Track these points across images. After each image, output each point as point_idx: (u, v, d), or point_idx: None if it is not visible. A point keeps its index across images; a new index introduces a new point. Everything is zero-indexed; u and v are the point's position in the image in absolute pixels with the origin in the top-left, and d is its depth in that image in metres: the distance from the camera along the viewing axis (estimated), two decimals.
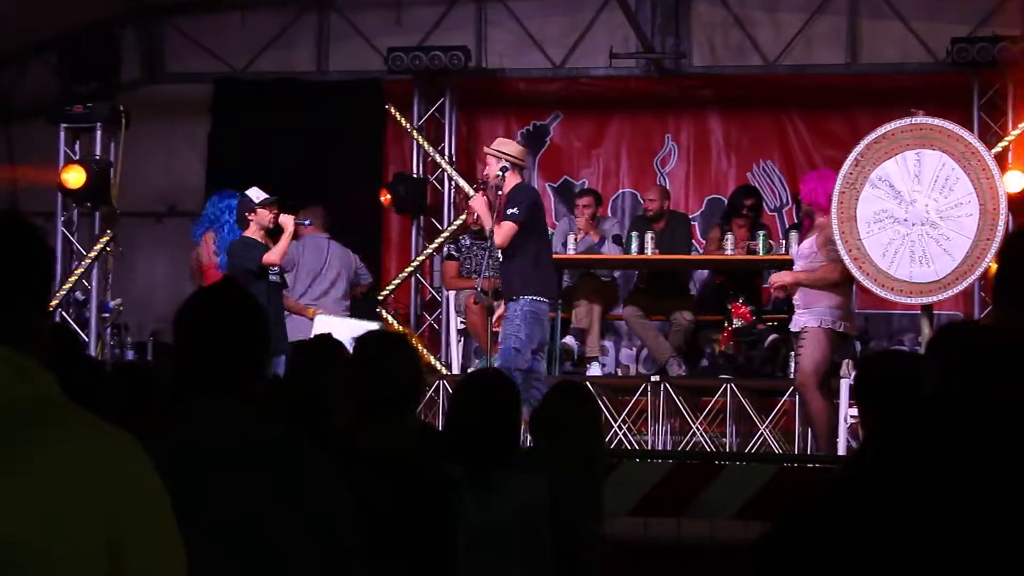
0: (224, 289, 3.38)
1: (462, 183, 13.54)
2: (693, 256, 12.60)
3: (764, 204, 13.04)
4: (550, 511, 4.62)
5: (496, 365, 9.47)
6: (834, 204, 9.86)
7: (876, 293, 9.98)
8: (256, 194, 10.74)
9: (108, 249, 12.69)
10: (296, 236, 11.44)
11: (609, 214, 13.44)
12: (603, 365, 12.55)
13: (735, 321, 11.29)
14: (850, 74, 13.64)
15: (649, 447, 11.15)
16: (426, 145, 13.87)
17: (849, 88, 13.60)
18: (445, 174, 13.85)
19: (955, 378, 2.23)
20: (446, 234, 13.48)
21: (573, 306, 12.05)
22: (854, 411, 9.16)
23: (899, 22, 13.42)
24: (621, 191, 14.15)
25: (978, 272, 9.71)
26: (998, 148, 12.18)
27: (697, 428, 11.16)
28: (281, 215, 10.72)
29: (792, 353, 10.70)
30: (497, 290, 10.23)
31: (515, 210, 9.72)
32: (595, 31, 14.02)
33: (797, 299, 10.06)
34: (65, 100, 12.55)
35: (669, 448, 11.15)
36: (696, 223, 13.60)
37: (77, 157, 12.60)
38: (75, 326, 12.17)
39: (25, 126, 14.22)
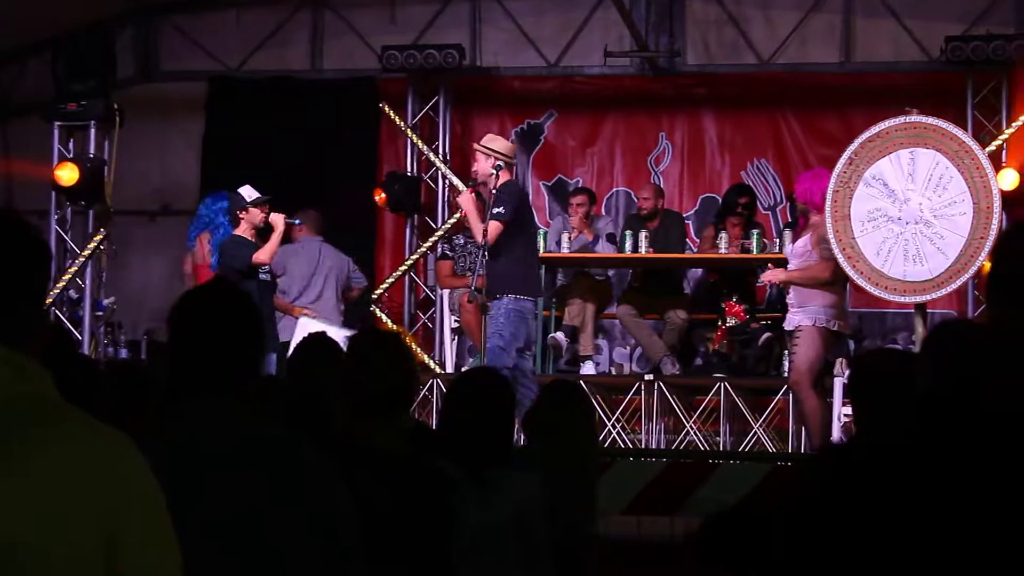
0: (218, 288, 3.38)
1: (456, 182, 13.53)
2: (687, 255, 12.61)
3: (758, 203, 13.04)
4: (545, 509, 4.62)
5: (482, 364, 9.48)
6: (828, 203, 9.86)
7: (870, 292, 9.98)
8: (248, 192, 10.73)
9: (102, 247, 12.68)
10: (290, 238, 11.45)
11: (603, 213, 13.43)
12: (597, 364, 12.56)
13: (729, 320, 11.30)
14: (844, 73, 13.64)
15: (643, 446, 11.15)
16: (420, 144, 13.86)
17: (843, 87, 13.60)
18: (439, 173, 13.85)
19: (949, 377, 2.23)
20: (440, 233, 13.48)
21: (566, 304, 12.06)
22: (848, 410, 9.17)
23: (893, 20, 13.42)
24: (615, 190, 14.15)
25: (972, 271, 9.72)
26: (992, 147, 12.19)
27: (691, 427, 11.16)
28: (272, 214, 10.72)
29: (786, 352, 10.70)
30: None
31: (501, 209, 9.71)
32: (589, 30, 14.02)
33: (791, 298, 10.07)
34: (60, 98, 12.55)
35: (663, 447, 11.15)
36: (690, 222, 13.60)
37: (71, 155, 12.60)
38: (69, 325, 12.16)
39: (20, 124, 14.22)
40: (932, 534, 2.03)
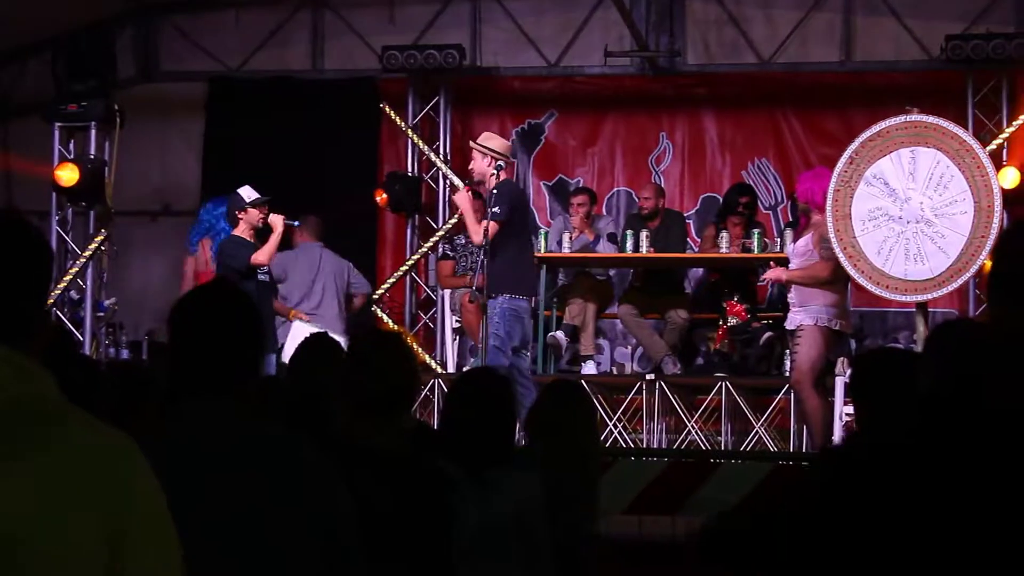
0: (218, 288, 3.38)
1: (457, 182, 13.52)
2: (688, 254, 12.61)
3: (759, 202, 13.04)
4: (546, 509, 4.62)
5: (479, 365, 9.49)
6: (829, 202, 9.86)
7: (871, 291, 9.98)
8: (247, 193, 10.73)
9: (103, 248, 12.69)
10: (290, 242, 11.45)
11: (604, 212, 13.43)
12: (598, 363, 12.56)
13: (730, 319, 11.29)
14: (845, 72, 13.64)
15: (644, 445, 11.15)
16: (421, 144, 13.86)
17: (844, 86, 13.60)
18: (440, 173, 13.85)
19: (951, 376, 2.23)
20: (441, 233, 13.47)
21: (567, 304, 12.06)
22: (849, 409, 9.16)
23: (893, 19, 13.42)
24: (616, 189, 14.15)
25: (973, 270, 9.72)
26: (993, 145, 12.19)
27: (692, 426, 11.16)
28: (271, 215, 10.72)
29: (787, 351, 10.70)
30: None
31: (497, 209, 9.70)
32: (589, 30, 14.02)
33: (792, 297, 10.07)
34: (60, 99, 12.56)
35: (664, 446, 11.15)
36: (691, 221, 13.60)
37: (72, 156, 12.60)
38: (70, 325, 12.16)
39: (21, 124, 14.22)
40: (933, 533, 2.02)
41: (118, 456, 2.09)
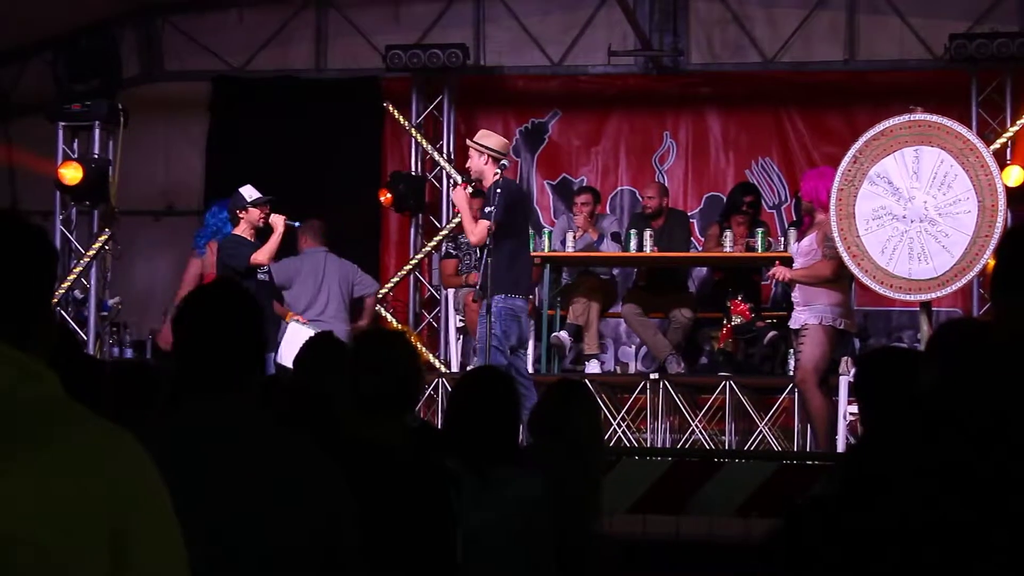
0: (222, 287, 3.39)
1: (460, 180, 13.53)
2: (692, 254, 12.60)
3: (763, 201, 13.04)
4: (550, 509, 4.62)
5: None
6: (832, 201, 9.86)
7: (875, 290, 9.98)
8: (249, 192, 10.74)
9: (107, 247, 12.70)
10: (295, 248, 11.47)
11: (608, 212, 13.43)
12: (602, 363, 12.55)
13: (734, 318, 11.29)
14: (848, 71, 13.63)
15: (648, 445, 11.15)
16: (424, 143, 13.87)
17: (847, 85, 13.59)
18: (443, 172, 13.85)
19: (953, 376, 2.23)
20: (445, 232, 13.47)
21: (571, 303, 12.06)
22: (853, 408, 9.17)
23: (897, 19, 13.41)
24: (619, 189, 14.15)
25: (977, 269, 9.71)
26: (996, 144, 12.19)
27: (696, 426, 11.16)
28: (272, 215, 10.72)
29: (791, 350, 10.70)
30: None
31: (492, 208, 9.69)
32: (593, 29, 14.02)
33: (796, 296, 10.07)
34: (64, 98, 12.57)
35: (668, 446, 11.15)
36: (695, 220, 13.59)
37: (76, 155, 12.62)
38: (74, 324, 12.18)
39: (25, 124, 14.22)
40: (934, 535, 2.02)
41: (121, 455, 2.10)
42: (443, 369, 12.38)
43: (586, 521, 5.17)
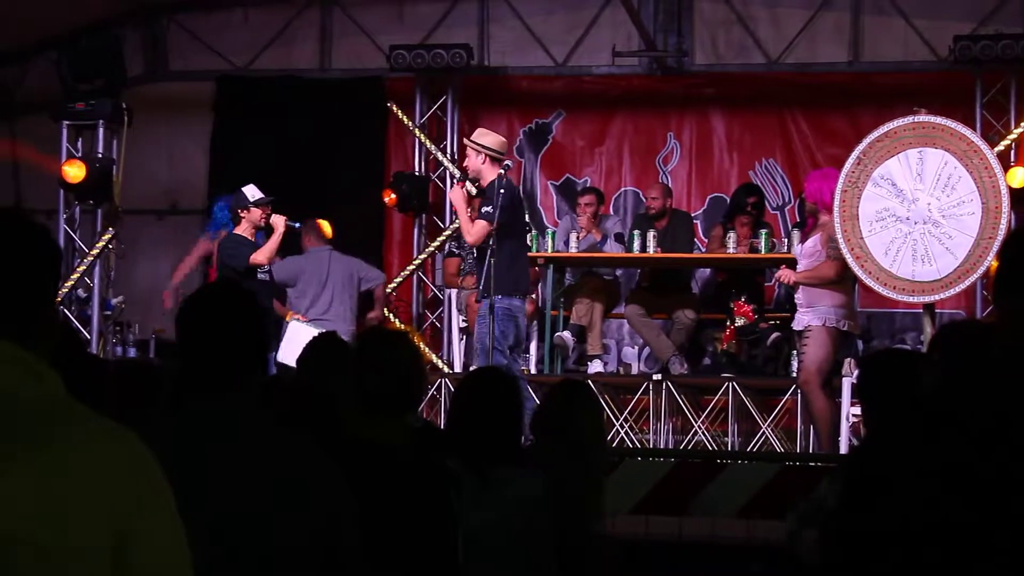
0: (224, 288, 3.39)
1: (469, 185, 13.51)
2: (695, 255, 12.59)
3: (766, 202, 13.04)
4: (551, 510, 4.62)
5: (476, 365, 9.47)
6: (836, 202, 9.85)
7: (878, 292, 9.97)
8: (251, 192, 10.76)
9: (110, 246, 12.71)
10: (300, 247, 11.49)
11: (611, 212, 13.44)
12: (605, 363, 12.56)
13: (737, 320, 11.29)
14: (852, 72, 13.63)
15: (651, 446, 11.15)
16: (428, 143, 13.87)
17: (851, 86, 13.59)
18: (447, 172, 13.85)
19: (955, 377, 2.22)
20: (448, 232, 13.47)
21: (574, 303, 12.06)
22: (856, 410, 9.17)
23: (902, 20, 13.41)
24: (623, 189, 14.15)
25: (980, 271, 9.70)
26: (1001, 146, 12.18)
27: (699, 427, 11.16)
28: (274, 216, 10.74)
29: (794, 352, 10.70)
30: None
31: (489, 208, 9.67)
32: (598, 29, 14.02)
33: (800, 298, 10.07)
34: (68, 97, 12.58)
35: (671, 447, 11.14)
36: (698, 221, 13.59)
37: (80, 154, 12.63)
38: (77, 324, 12.19)
39: (29, 123, 14.24)
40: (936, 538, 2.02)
41: (125, 455, 2.09)
42: (446, 370, 12.38)
43: (588, 522, 5.17)
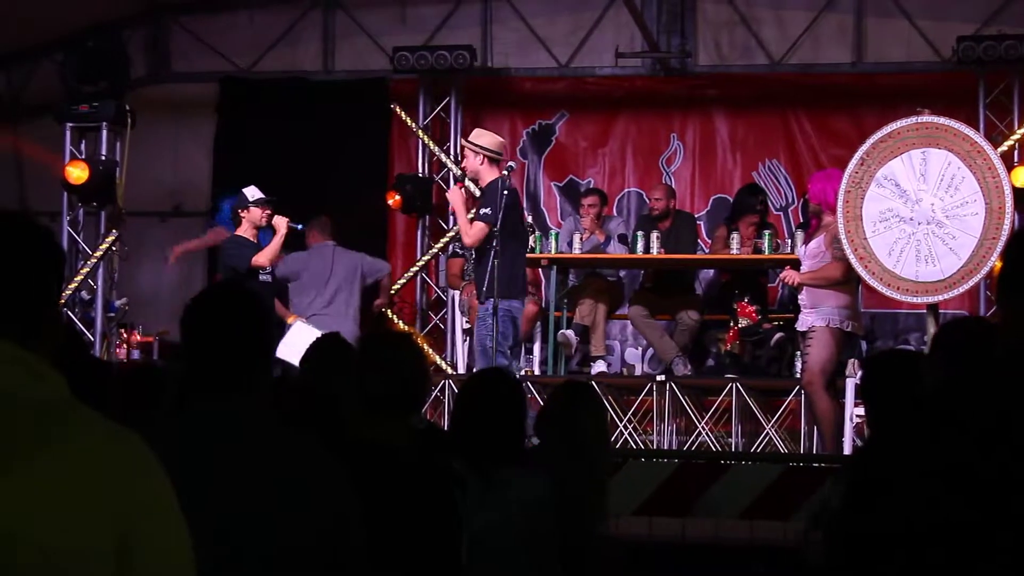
0: (229, 289, 3.39)
1: (469, 184, 13.54)
2: (699, 256, 12.59)
3: (770, 203, 13.04)
4: (555, 510, 4.62)
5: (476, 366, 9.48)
6: (840, 203, 9.85)
7: (882, 292, 9.97)
8: (252, 192, 10.78)
9: (114, 248, 12.72)
10: (304, 245, 11.51)
11: (615, 213, 13.43)
12: (608, 364, 12.55)
13: (741, 320, 11.28)
14: (856, 73, 13.63)
15: (654, 446, 11.14)
16: (431, 144, 13.88)
17: (855, 87, 13.59)
18: (451, 174, 13.86)
19: (957, 376, 2.22)
20: (452, 233, 13.47)
21: (577, 304, 12.07)
22: (860, 410, 9.16)
23: (905, 21, 13.41)
24: (626, 190, 14.15)
25: (984, 271, 9.70)
26: (1004, 147, 12.18)
27: (703, 428, 11.15)
28: (276, 217, 10.75)
29: (798, 352, 10.69)
30: None
31: (487, 210, 9.64)
32: (601, 30, 14.02)
33: (803, 299, 10.07)
34: (72, 99, 12.59)
35: (674, 448, 11.14)
36: (702, 222, 13.59)
37: (83, 156, 12.64)
38: (81, 325, 12.20)
39: (32, 125, 14.25)
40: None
41: (130, 456, 2.10)
42: (449, 371, 12.38)
43: (591, 523, 5.17)
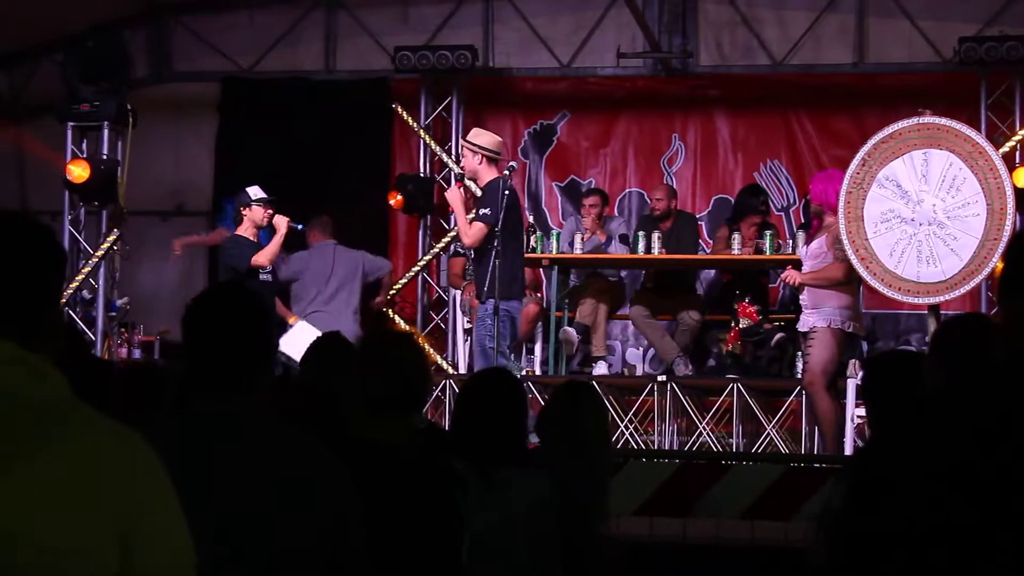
0: (230, 289, 3.40)
1: (469, 183, 13.53)
2: (700, 256, 12.59)
3: (771, 203, 13.04)
4: (555, 511, 4.62)
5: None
6: (841, 204, 9.85)
7: (883, 293, 9.97)
8: (254, 192, 10.79)
9: (115, 248, 12.73)
10: (305, 244, 11.52)
11: (616, 213, 13.43)
12: (609, 365, 12.55)
13: (741, 321, 11.28)
14: (857, 73, 13.63)
15: (655, 447, 11.15)
16: (433, 144, 13.88)
17: (856, 87, 13.58)
18: (452, 174, 13.86)
19: (958, 376, 2.22)
20: (453, 233, 13.47)
21: (579, 304, 12.07)
22: (861, 411, 9.16)
23: (907, 21, 13.40)
24: (628, 190, 14.15)
25: (985, 272, 9.70)
26: (1006, 147, 12.17)
27: (704, 428, 11.15)
28: (276, 216, 10.76)
29: (799, 353, 10.69)
30: None
31: (487, 210, 9.64)
32: (602, 30, 14.02)
33: (805, 299, 10.07)
34: (73, 99, 12.59)
35: (675, 448, 11.14)
36: (703, 223, 13.59)
37: (85, 155, 12.65)
38: (82, 325, 12.20)
39: (34, 124, 14.25)
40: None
41: (131, 456, 2.10)
42: (450, 371, 12.38)
43: (592, 523, 5.17)
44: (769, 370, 11.56)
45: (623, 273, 12.95)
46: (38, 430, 2.05)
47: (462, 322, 12.69)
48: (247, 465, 3.00)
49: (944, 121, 9.89)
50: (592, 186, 13.66)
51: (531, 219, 13.29)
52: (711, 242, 13.02)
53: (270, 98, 14.26)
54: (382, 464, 3.84)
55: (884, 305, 12.13)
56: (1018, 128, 12.65)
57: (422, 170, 14.00)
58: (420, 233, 14.03)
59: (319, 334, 6.43)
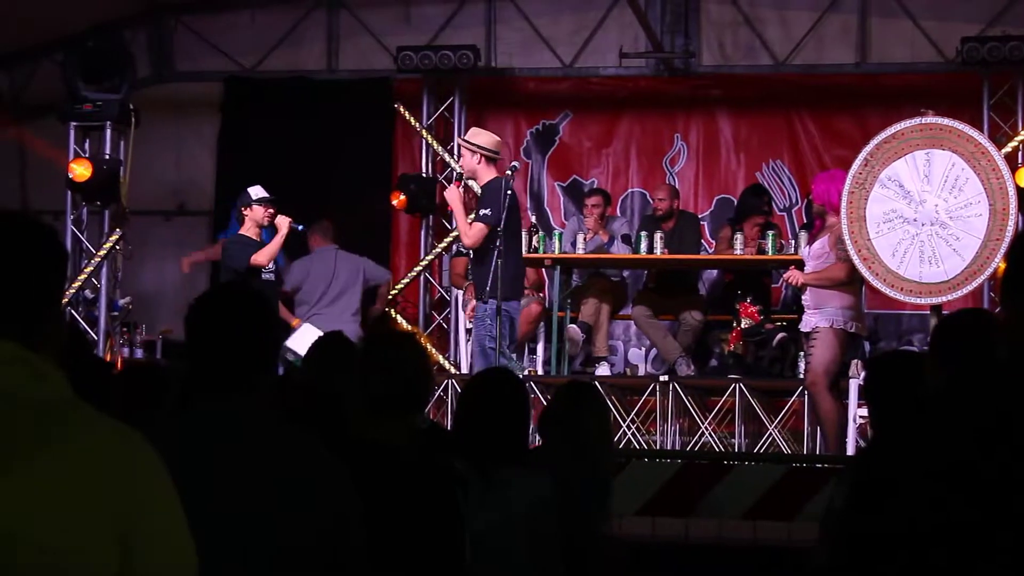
0: (233, 288, 3.40)
1: (471, 183, 13.53)
2: (702, 256, 12.59)
3: (774, 204, 13.03)
4: (557, 511, 4.62)
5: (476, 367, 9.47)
6: (843, 204, 9.85)
7: (886, 293, 9.96)
8: (256, 191, 10.79)
9: (117, 247, 12.73)
10: (307, 249, 11.53)
11: (618, 213, 13.43)
12: (612, 365, 12.55)
13: (743, 321, 11.28)
14: (860, 73, 13.62)
15: (657, 447, 11.14)
16: (435, 144, 13.88)
17: (859, 88, 13.57)
18: (454, 174, 13.85)
19: (959, 375, 2.22)
20: (455, 233, 13.47)
21: (581, 304, 12.08)
22: (863, 411, 9.16)
23: (909, 21, 13.40)
24: (630, 191, 14.14)
25: (987, 272, 9.70)
26: (1008, 148, 12.17)
27: (706, 428, 11.15)
28: (278, 216, 10.77)
29: (801, 353, 10.69)
30: None
31: (487, 211, 9.63)
32: (605, 30, 14.02)
33: (807, 299, 10.06)
34: (75, 98, 12.59)
35: (678, 448, 11.14)
36: (705, 223, 13.59)
37: (87, 155, 12.65)
38: (84, 324, 12.20)
39: (36, 124, 14.25)
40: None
41: (132, 455, 2.10)
42: (452, 371, 12.38)
43: (594, 523, 5.17)
44: (771, 370, 11.55)
45: (625, 273, 12.96)
46: (38, 430, 2.05)
47: (464, 322, 12.69)
48: (247, 465, 3.00)
49: (946, 121, 9.88)
50: (594, 186, 13.66)
51: (533, 219, 13.29)
52: (713, 242, 13.02)
53: (272, 98, 14.26)
54: (382, 464, 3.84)
55: (886, 305, 12.13)
56: (1020, 128, 12.64)
57: (424, 170, 13.99)
58: (422, 233, 14.03)
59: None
